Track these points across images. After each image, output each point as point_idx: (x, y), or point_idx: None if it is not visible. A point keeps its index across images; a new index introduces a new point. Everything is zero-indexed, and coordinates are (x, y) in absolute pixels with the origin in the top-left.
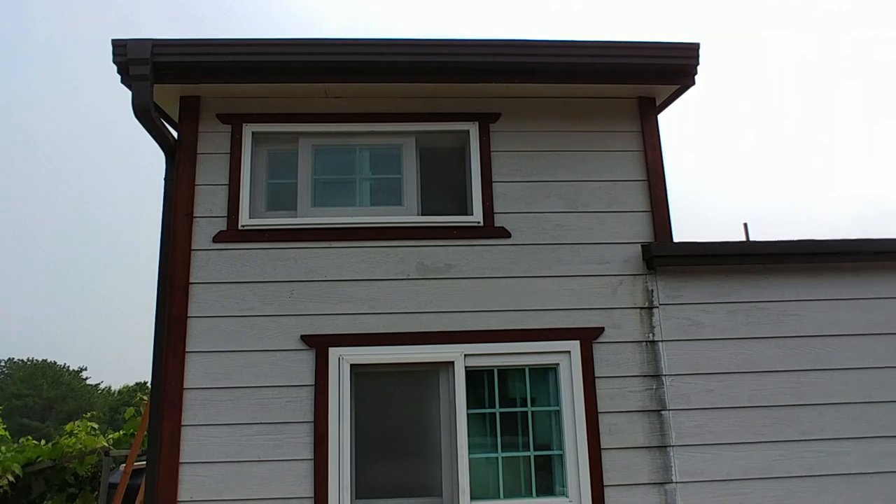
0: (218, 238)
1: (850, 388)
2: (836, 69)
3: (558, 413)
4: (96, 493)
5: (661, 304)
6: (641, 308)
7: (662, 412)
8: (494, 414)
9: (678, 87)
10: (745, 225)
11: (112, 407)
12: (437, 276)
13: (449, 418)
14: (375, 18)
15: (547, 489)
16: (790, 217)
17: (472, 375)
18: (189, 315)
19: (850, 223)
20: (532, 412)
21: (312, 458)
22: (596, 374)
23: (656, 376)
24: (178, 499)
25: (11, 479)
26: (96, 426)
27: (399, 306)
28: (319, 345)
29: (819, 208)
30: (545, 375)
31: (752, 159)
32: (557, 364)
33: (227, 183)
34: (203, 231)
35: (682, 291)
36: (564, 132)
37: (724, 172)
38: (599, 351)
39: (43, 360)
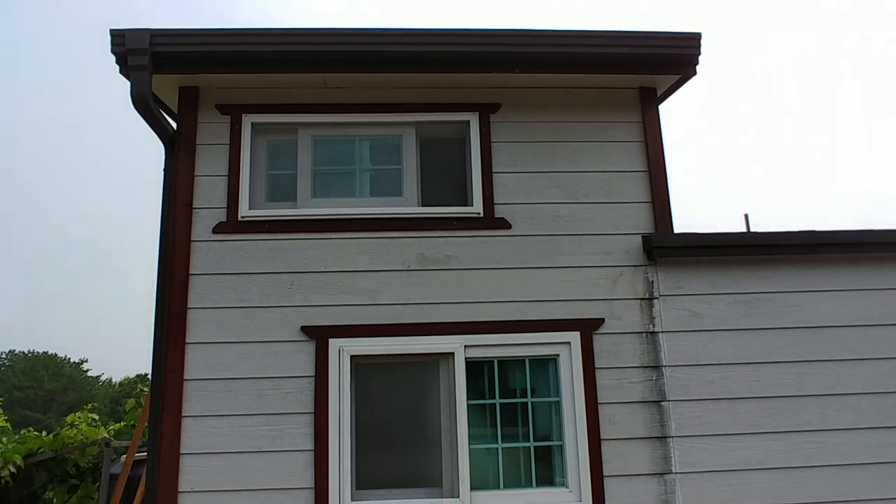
0: (218, 229)
1: (849, 378)
2: (836, 68)
3: (558, 404)
4: (97, 484)
5: (661, 295)
6: (642, 299)
7: (662, 403)
8: (494, 405)
9: (679, 77)
10: (746, 216)
11: (113, 398)
12: (437, 267)
13: (449, 409)
14: (375, 8)
15: (547, 480)
16: (790, 216)
17: (473, 366)
18: (189, 306)
19: (850, 219)
20: (532, 403)
21: (313, 448)
22: (596, 365)
23: (656, 367)
24: (179, 489)
25: (13, 469)
26: (97, 417)
27: (399, 297)
28: (320, 336)
29: (819, 205)
30: (545, 366)
31: (753, 157)
32: (557, 355)
33: (227, 174)
34: (203, 222)
35: (682, 282)
36: (565, 122)
37: (724, 170)
38: (599, 342)
39: (44, 352)
